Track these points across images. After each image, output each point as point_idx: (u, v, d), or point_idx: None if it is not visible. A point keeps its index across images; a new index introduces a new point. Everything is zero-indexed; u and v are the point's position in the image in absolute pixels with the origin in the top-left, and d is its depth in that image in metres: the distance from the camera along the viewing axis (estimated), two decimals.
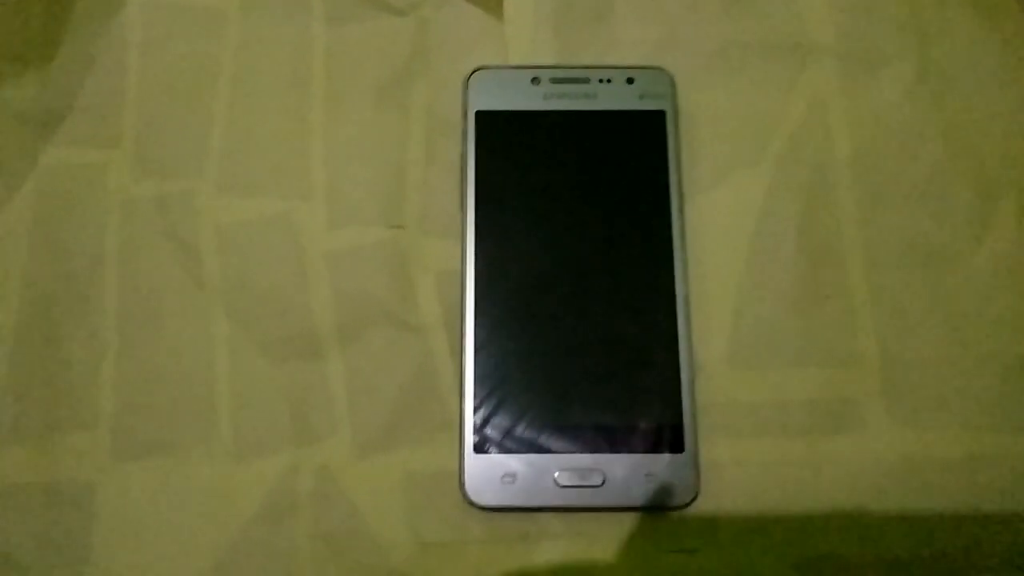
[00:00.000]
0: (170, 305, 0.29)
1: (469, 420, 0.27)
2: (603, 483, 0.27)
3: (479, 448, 0.27)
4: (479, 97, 0.30)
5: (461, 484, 0.27)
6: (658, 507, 0.27)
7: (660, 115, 0.30)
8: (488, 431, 0.27)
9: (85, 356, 0.29)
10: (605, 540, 0.27)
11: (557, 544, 0.27)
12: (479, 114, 0.30)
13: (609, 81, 0.30)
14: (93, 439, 0.28)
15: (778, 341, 0.29)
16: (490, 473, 0.27)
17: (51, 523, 0.28)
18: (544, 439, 0.27)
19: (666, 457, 0.27)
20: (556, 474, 0.27)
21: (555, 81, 0.30)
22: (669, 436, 0.27)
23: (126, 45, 0.32)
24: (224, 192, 0.30)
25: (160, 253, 0.30)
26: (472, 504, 0.27)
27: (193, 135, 0.31)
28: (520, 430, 0.27)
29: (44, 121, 0.31)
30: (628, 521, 0.27)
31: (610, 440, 0.27)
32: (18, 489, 0.28)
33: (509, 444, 0.27)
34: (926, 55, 0.31)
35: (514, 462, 0.27)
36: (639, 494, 0.27)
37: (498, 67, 0.31)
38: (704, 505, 0.27)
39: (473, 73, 0.30)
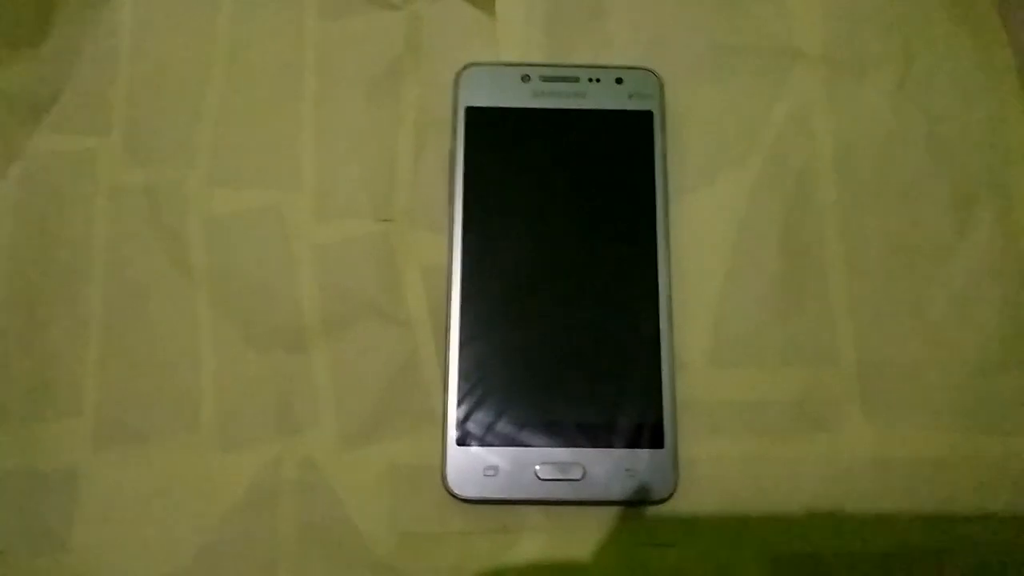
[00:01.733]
0: (156, 294, 0.29)
1: (452, 413, 0.28)
2: (583, 477, 0.27)
3: (462, 441, 0.28)
4: (469, 93, 0.30)
5: (443, 476, 0.27)
6: (637, 502, 0.27)
7: (648, 115, 0.30)
8: (471, 425, 0.28)
9: (70, 343, 0.29)
10: (584, 533, 0.28)
11: (537, 537, 0.28)
12: (469, 110, 0.30)
13: (598, 81, 0.31)
14: (76, 426, 0.28)
15: (758, 341, 0.29)
16: (472, 466, 0.27)
17: (33, 510, 0.28)
18: (526, 433, 0.28)
19: (646, 453, 0.28)
20: (537, 468, 0.27)
21: (545, 79, 0.31)
22: (649, 432, 0.28)
23: (117, 32, 0.31)
24: (213, 182, 0.30)
25: (147, 242, 0.30)
26: (454, 496, 0.27)
27: (183, 125, 0.31)
28: (502, 424, 0.28)
29: (33, 107, 0.31)
30: (607, 515, 0.28)
31: (591, 435, 0.28)
32: (0, 475, 0.28)
33: (491, 438, 0.28)
34: (909, 63, 0.32)
35: (496, 455, 0.27)
36: (618, 489, 0.27)
37: (489, 64, 0.31)
38: (682, 501, 0.28)
39: (464, 69, 0.31)
